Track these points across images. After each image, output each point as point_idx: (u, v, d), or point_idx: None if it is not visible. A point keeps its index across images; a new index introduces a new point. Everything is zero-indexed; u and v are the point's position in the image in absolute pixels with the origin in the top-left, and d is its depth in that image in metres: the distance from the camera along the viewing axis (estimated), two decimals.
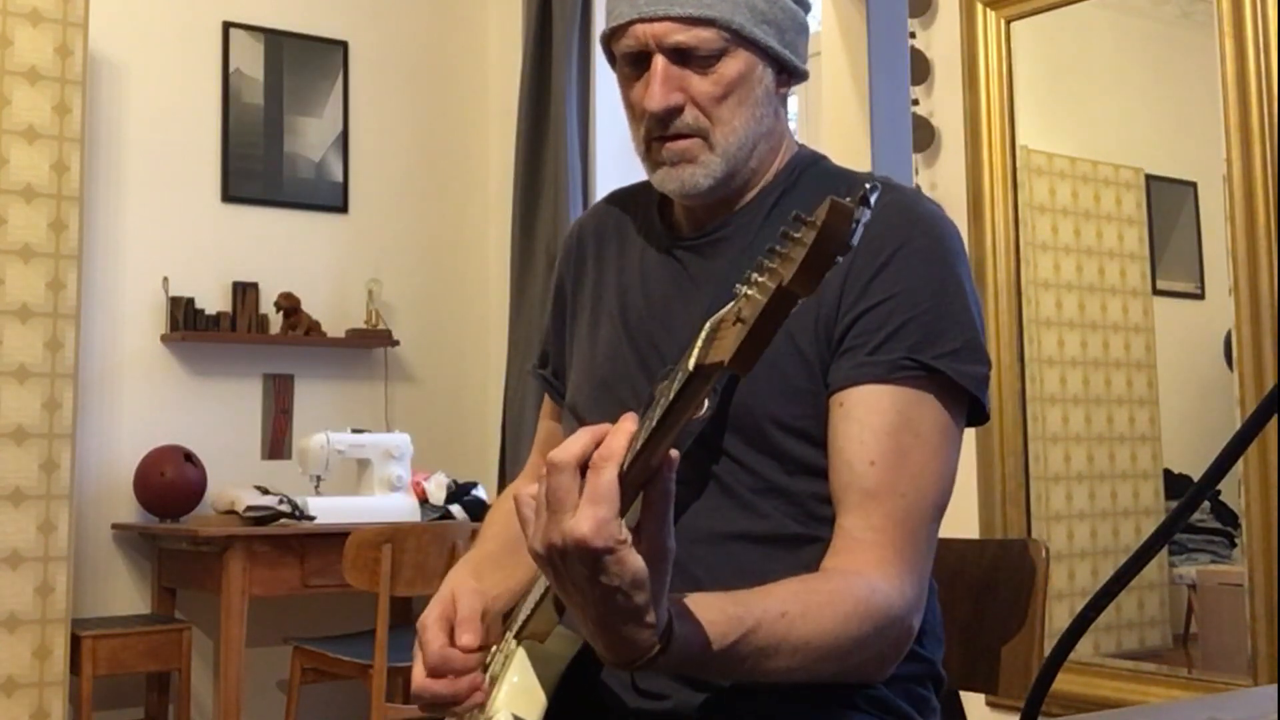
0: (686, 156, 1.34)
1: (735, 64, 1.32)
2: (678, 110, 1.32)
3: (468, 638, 1.27)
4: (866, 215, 0.84)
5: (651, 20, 1.31)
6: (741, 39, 1.32)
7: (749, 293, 0.88)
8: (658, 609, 1.00)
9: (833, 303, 1.28)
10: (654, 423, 0.97)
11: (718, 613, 1.08)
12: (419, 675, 1.28)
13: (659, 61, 1.32)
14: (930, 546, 1.27)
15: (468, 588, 1.34)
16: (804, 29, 1.40)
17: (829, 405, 1.28)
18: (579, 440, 1.00)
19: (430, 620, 1.31)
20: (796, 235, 0.85)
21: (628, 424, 1.00)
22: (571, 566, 0.99)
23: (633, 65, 1.35)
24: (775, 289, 0.85)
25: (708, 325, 0.94)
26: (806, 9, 1.40)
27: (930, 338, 1.26)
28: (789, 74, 1.39)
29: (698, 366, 0.93)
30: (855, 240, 0.84)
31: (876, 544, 1.22)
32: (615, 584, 0.98)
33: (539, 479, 1.02)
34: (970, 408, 1.30)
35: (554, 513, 0.99)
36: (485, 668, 1.31)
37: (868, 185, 0.86)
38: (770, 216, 1.37)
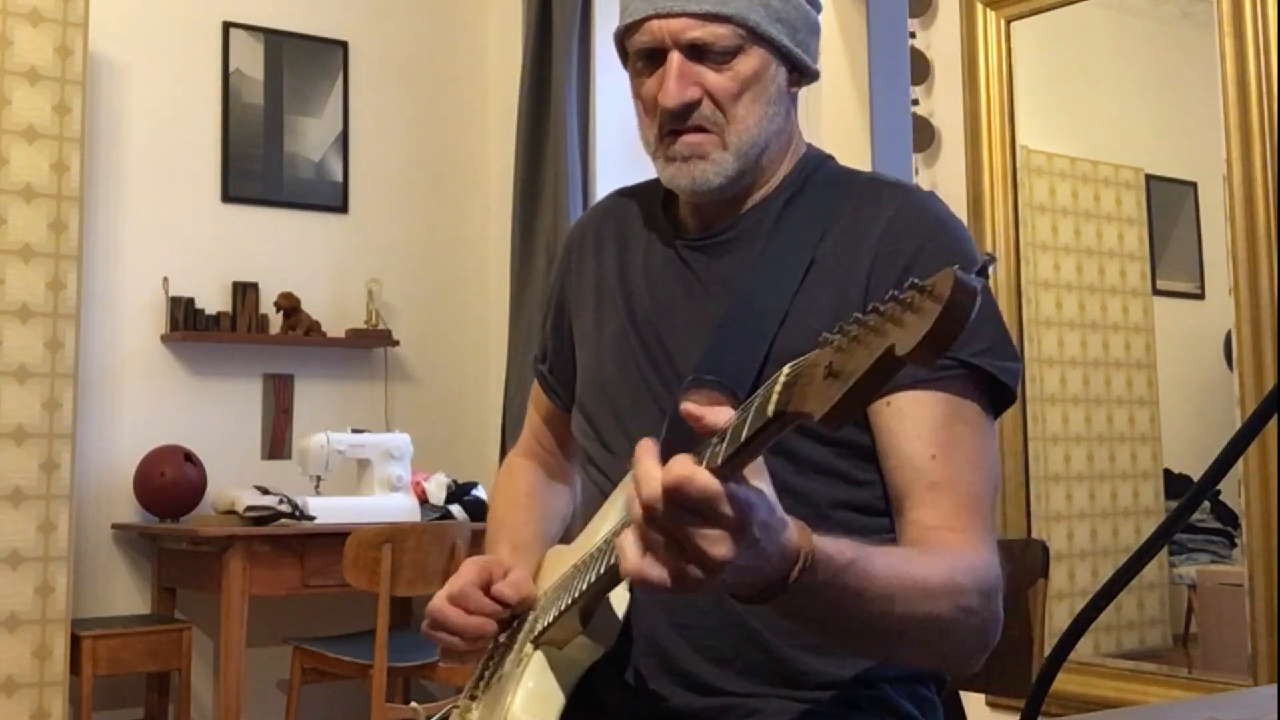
0: (699, 152, 1.34)
1: (750, 61, 1.33)
2: (694, 105, 1.33)
3: (506, 590, 1.34)
4: (981, 284, 0.80)
5: (668, 16, 1.32)
6: (756, 36, 1.33)
7: (844, 346, 0.82)
8: (783, 526, 0.98)
9: (857, 306, 1.28)
10: (719, 461, 0.92)
11: (833, 539, 1.05)
12: (440, 595, 1.35)
13: (675, 57, 1.32)
14: (993, 531, 1.28)
15: (523, 570, 1.40)
16: (816, 29, 1.40)
17: (871, 407, 1.28)
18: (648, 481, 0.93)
19: (475, 560, 1.37)
20: (908, 301, 0.79)
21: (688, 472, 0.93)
22: (740, 565, 0.96)
23: (646, 61, 1.36)
24: (885, 352, 0.79)
25: (787, 369, 0.89)
26: (818, 9, 1.41)
27: (965, 337, 1.26)
28: (800, 73, 1.39)
29: (779, 413, 0.88)
30: (974, 316, 0.79)
31: (954, 529, 1.23)
32: (760, 524, 0.95)
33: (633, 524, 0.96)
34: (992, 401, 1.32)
35: (686, 556, 0.94)
36: (501, 631, 1.36)
37: (985, 255, 0.83)
38: (780, 220, 1.38)
